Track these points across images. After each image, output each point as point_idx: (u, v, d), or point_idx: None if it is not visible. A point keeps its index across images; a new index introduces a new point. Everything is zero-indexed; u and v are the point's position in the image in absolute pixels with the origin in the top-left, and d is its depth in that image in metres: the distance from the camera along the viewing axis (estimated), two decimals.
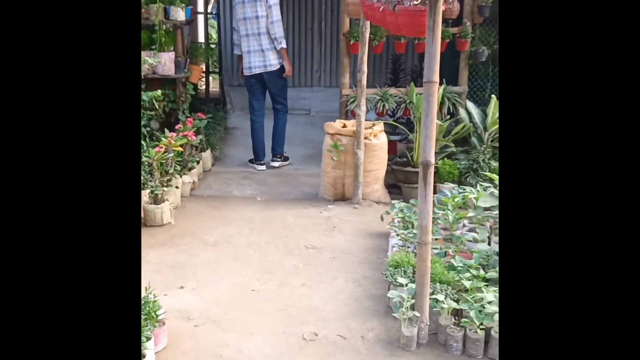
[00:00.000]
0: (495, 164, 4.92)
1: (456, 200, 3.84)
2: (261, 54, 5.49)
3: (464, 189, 4.14)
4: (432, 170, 2.60)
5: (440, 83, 5.36)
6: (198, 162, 5.27)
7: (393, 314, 2.86)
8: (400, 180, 5.02)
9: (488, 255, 3.28)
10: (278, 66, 5.53)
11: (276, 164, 5.80)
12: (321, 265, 3.66)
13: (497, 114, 5.02)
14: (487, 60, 5.45)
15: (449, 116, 5.29)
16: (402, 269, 3.15)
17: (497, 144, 5.18)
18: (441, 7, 2.38)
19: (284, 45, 5.48)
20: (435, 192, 4.26)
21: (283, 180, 5.42)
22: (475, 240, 3.52)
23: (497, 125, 4.94)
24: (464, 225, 3.88)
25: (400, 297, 2.79)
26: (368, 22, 4.41)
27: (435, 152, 4.98)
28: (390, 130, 5.56)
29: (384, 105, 5.27)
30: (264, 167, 5.70)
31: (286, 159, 5.92)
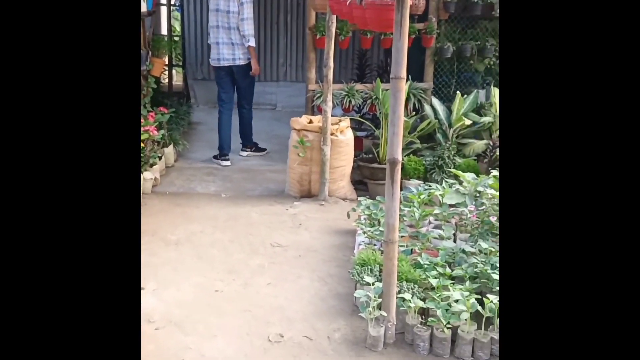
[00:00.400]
0: (459, 161, 4.94)
1: (422, 197, 3.83)
2: (231, 47, 5.52)
3: (430, 186, 4.14)
4: (399, 167, 2.57)
5: (406, 79, 5.37)
6: (160, 158, 5.13)
7: (360, 314, 2.82)
8: (366, 177, 4.99)
9: (454, 253, 3.28)
10: (247, 61, 5.56)
11: (244, 153, 5.90)
12: (287, 263, 3.60)
13: (462, 111, 5.04)
14: (452, 56, 5.46)
15: (414, 112, 5.29)
16: (369, 267, 3.11)
17: (461, 141, 5.21)
18: (409, 2, 2.33)
19: (252, 43, 5.49)
20: (400, 189, 4.24)
21: (248, 176, 5.33)
22: (441, 238, 3.50)
23: (462, 122, 4.95)
24: (429, 222, 3.87)
25: (367, 297, 2.75)
26: (334, 17, 4.35)
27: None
28: (355, 126, 5.52)
29: (350, 101, 5.23)
30: (228, 163, 5.62)
31: (260, 149, 5.97)
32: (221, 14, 5.47)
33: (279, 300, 3.14)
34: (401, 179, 4.70)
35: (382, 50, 7.06)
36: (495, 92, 5.15)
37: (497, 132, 5.20)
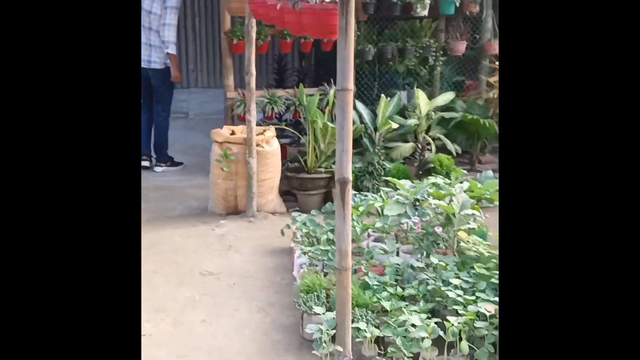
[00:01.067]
0: (389, 165, 4.81)
1: (361, 209, 3.62)
2: (148, 48, 5.15)
3: (366, 196, 3.95)
4: (350, 187, 2.31)
5: (328, 83, 5.18)
6: None
7: (311, 350, 2.54)
8: (294, 187, 4.72)
9: (400, 268, 3.09)
10: (163, 66, 5.20)
11: (159, 169, 5.45)
12: (220, 294, 3.25)
13: (387, 114, 4.91)
14: (373, 58, 5.32)
15: None
16: (315, 294, 2.85)
17: (388, 144, 5.08)
18: (353, 5, 2.09)
19: (171, 51, 5.13)
20: (332, 200, 4.01)
21: (166, 194, 4.89)
22: (385, 252, 3.31)
23: (389, 125, 4.82)
24: (368, 235, 3.67)
25: (319, 331, 2.48)
26: (254, 21, 4.04)
27: (328, 156, 4.78)
28: (278, 133, 5.24)
29: (272, 108, 4.94)
30: (147, 163, 5.30)
31: (176, 164, 5.55)
32: (144, 13, 5.09)
33: (217, 340, 2.80)
34: (332, 187, 4.54)
35: (298, 54, 6.83)
36: (418, 93, 5.06)
37: (423, 134, 5.14)
